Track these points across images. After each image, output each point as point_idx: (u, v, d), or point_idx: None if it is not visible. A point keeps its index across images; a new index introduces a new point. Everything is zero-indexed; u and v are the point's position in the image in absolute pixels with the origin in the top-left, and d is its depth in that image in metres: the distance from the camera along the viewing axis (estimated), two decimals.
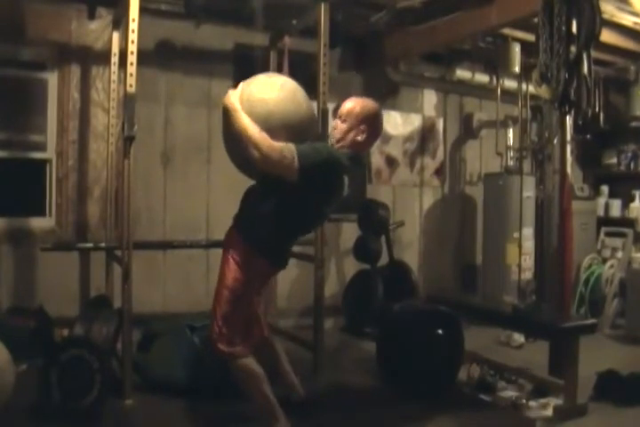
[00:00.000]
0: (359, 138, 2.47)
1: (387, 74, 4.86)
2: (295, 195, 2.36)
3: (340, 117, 2.49)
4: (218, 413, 2.80)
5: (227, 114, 2.35)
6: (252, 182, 2.60)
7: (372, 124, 2.50)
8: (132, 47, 2.81)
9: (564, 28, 2.94)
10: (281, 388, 2.59)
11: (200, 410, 2.82)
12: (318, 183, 2.33)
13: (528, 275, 4.81)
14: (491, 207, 5.02)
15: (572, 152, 3.32)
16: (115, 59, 3.56)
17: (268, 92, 2.35)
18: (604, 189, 6.03)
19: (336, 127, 2.50)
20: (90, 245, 3.69)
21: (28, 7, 3.62)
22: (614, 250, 5.50)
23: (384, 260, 4.63)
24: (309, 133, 2.46)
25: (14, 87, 3.70)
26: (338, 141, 2.47)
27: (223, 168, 4.24)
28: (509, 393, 3.12)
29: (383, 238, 4.62)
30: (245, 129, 2.26)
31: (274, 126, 2.28)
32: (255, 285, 2.49)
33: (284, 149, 2.24)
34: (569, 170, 3.22)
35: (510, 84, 5.08)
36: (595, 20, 2.92)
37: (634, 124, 5.66)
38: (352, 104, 2.49)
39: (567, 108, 3.02)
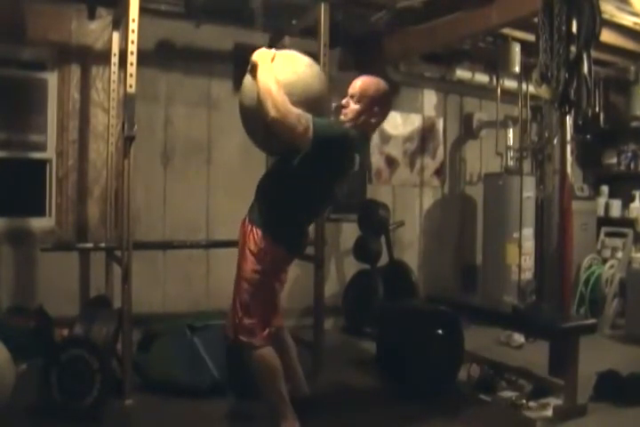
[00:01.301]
0: (372, 120, 2.50)
1: (387, 74, 4.86)
2: (306, 171, 2.37)
3: (352, 97, 2.47)
4: (218, 413, 2.80)
5: (254, 67, 2.34)
6: (256, 179, 2.60)
7: (384, 105, 2.53)
8: (132, 47, 2.81)
9: (564, 28, 2.93)
10: (286, 382, 2.56)
11: (200, 410, 2.81)
12: (329, 157, 2.35)
13: (528, 275, 4.80)
14: (491, 207, 5.02)
15: (572, 152, 3.32)
16: (115, 59, 3.56)
17: (297, 63, 2.41)
18: (604, 189, 6.02)
19: (347, 106, 2.48)
20: (90, 245, 3.69)
21: (28, 7, 3.62)
22: (614, 250, 5.50)
23: (384, 260, 4.63)
24: (323, 112, 2.45)
25: (14, 87, 3.70)
26: (349, 121, 2.46)
27: (223, 168, 4.28)
28: (509, 393, 3.11)
29: (383, 238, 4.62)
30: (269, 85, 2.25)
31: (296, 95, 2.29)
32: (274, 272, 2.49)
33: (301, 115, 2.25)
34: (569, 170, 3.22)
35: (510, 84, 5.08)
36: (595, 20, 2.92)
37: (634, 124, 5.66)
38: (366, 84, 2.49)
39: (567, 108, 3.01)
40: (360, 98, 2.46)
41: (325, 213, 2.79)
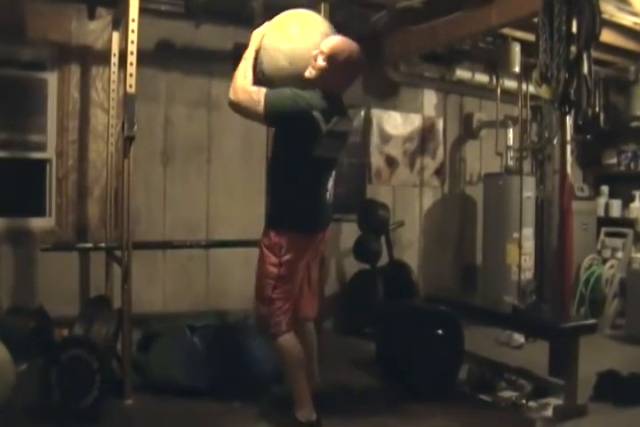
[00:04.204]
0: (338, 81, 2.51)
1: (387, 74, 4.86)
2: (282, 143, 2.52)
3: (321, 53, 2.43)
4: (218, 413, 2.80)
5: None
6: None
7: (352, 68, 2.53)
8: (132, 47, 2.81)
9: (563, 28, 2.94)
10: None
11: (200, 410, 2.81)
12: (287, 124, 2.44)
13: (528, 275, 4.80)
14: (491, 207, 5.02)
15: (572, 152, 3.32)
16: (114, 59, 3.56)
17: (289, 31, 2.50)
18: (604, 189, 6.02)
19: (315, 61, 2.44)
20: (90, 245, 3.68)
21: (28, 7, 3.61)
22: (614, 250, 5.51)
23: (384, 260, 4.63)
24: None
25: (14, 87, 3.70)
26: (312, 79, 2.45)
27: (223, 168, 4.27)
28: (509, 393, 3.11)
29: (383, 238, 4.62)
30: (237, 70, 2.48)
31: (294, 64, 2.43)
32: (294, 262, 2.53)
33: (255, 92, 2.39)
34: (569, 170, 3.22)
35: (510, 84, 5.08)
36: (595, 20, 2.92)
37: (634, 124, 5.66)
38: (337, 45, 2.45)
39: (567, 108, 3.02)
40: (328, 57, 2.43)
41: (328, 180, 2.65)
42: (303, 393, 2.52)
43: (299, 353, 2.54)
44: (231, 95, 2.44)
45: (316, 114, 2.39)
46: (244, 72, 2.45)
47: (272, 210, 2.62)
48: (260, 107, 2.37)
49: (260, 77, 2.48)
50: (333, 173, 2.65)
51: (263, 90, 2.39)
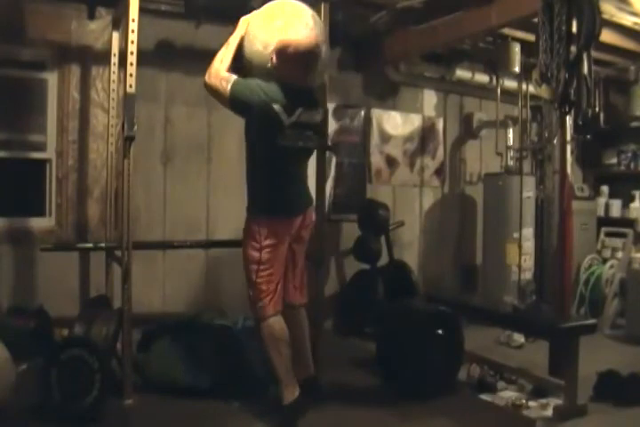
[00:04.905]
0: (294, 73, 2.61)
1: (387, 74, 4.86)
2: (249, 133, 2.68)
3: (275, 50, 2.55)
4: (218, 413, 2.80)
5: None
6: None
7: (301, 63, 2.61)
8: (132, 47, 2.81)
9: (563, 28, 2.94)
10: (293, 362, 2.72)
11: (200, 410, 2.81)
12: (248, 113, 2.59)
13: (528, 275, 4.80)
14: (491, 207, 5.02)
15: (572, 152, 3.33)
16: (114, 59, 3.55)
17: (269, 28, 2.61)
18: (604, 189, 6.02)
19: (272, 58, 2.57)
20: (90, 245, 3.68)
21: (27, 7, 3.61)
22: (614, 250, 5.50)
23: (384, 260, 4.63)
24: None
25: (14, 87, 3.70)
26: (275, 74, 2.57)
27: (223, 168, 4.27)
28: (509, 393, 3.12)
29: (383, 238, 4.62)
30: (217, 55, 2.62)
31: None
32: (276, 247, 2.66)
33: (225, 79, 2.55)
34: (569, 170, 3.22)
35: (510, 84, 5.07)
36: (595, 20, 2.92)
37: (634, 124, 5.65)
38: (281, 44, 2.55)
39: (567, 108, 3.02)
40: (277, 54, 2.55)
41: (304, 167, 2.83)
42: (287, 372, 2.62)
43: (283, 334, 2.64)
44: (206, 77, 2.59)
45: (276, 107, 2.52)
46: (222, 57, 2.60)
47: (249, 198, 2.76)
48: (227, 94, 2.53)
49: (244, 63, 2.63)
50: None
51: (233, 78, 2.54)
